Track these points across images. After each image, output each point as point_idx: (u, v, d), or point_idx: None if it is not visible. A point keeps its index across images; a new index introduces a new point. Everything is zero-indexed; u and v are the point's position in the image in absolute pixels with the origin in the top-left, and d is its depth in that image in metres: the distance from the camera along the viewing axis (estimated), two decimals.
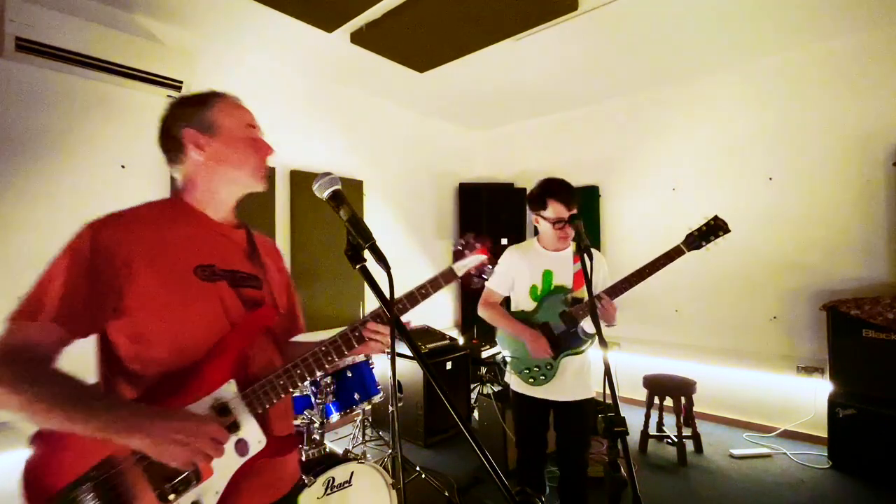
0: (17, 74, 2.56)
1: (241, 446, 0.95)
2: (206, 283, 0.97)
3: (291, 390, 1.02)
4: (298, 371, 1.02)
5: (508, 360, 2.17)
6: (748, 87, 3.91)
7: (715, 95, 4.08)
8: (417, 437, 3.59)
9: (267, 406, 0.99)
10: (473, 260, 1.18)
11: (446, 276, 1.16)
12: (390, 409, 2.27)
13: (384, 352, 1.10)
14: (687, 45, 3.59)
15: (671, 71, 4.05)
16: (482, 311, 2.20)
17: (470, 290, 5.22)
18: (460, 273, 1.17)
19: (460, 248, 1.20)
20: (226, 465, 0.92)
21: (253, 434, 0.97)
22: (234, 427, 0.94)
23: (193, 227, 1.03)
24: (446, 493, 2.76)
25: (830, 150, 3.53)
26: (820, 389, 3.41)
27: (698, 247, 1.89)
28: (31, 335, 0.84)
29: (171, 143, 1.09)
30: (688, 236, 1.91)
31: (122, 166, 2.91)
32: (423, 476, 2.82)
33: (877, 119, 3.35)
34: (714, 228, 1.89)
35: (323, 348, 1.06)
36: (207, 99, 1.08)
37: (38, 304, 0.86)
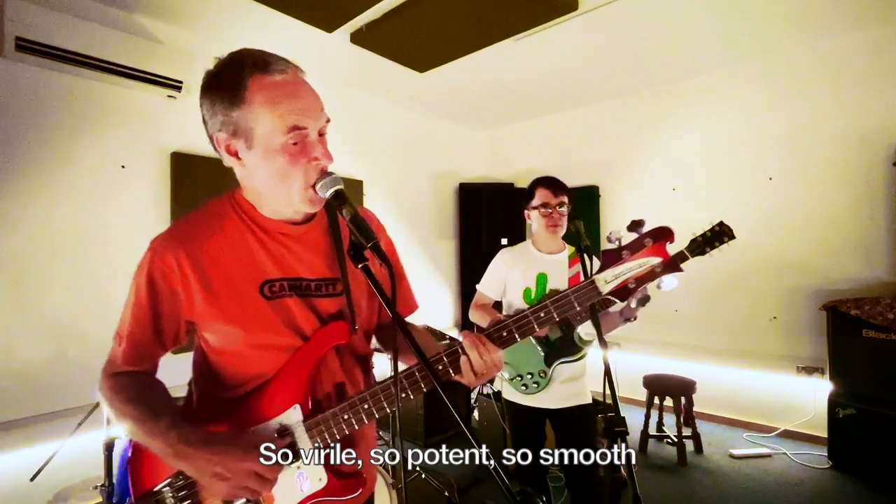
0: (17, 74, 2.56)
1: (301, 481, 0.88)
2: (273, 302, 0.89)
3: (357, 427, 0.89)
4: (366, 406, 0.88)
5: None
6: (748, 87, 3.91)
7: (715, 95, 4.08)
8: (417, 437, 3.59)
9: (329, 441, 0.89)
10: (633, 267, 0.78)
11: (582, 295, 0.81)
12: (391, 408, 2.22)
13: (472, 384, 0.88)
14: (687, 45, 3.59)
15: (671, 71, 4.05)
16: (472, 315, 2.12)
17: (470, 290, 5.22)
18: (607, 287, 0.78)
19: (614, 243, 0.80)
20: (288, 498, 0.87)
21: (314, 469, 0.89)
22: (296, 457, 0.86)
23: (255, 236, 0.91)
24: (446, 493, 2.76)
25: (830, 150, 3.53)
26: (820, 389, 3.41)
27: (702, 253, 1.84)
28: (119, 357, 0.91)
29: (209, 139, 0.88)
30: (692, 241, 1.86)
31: (123, 166, 2.91)
32: (423, 476, 2.82)
33: (877, 119, 3.35)
34: (719, 234, 1.83)
35: (402, 382, 0.87)
36: (239, 86, 0.81)
37: (122, 333, 0.91)
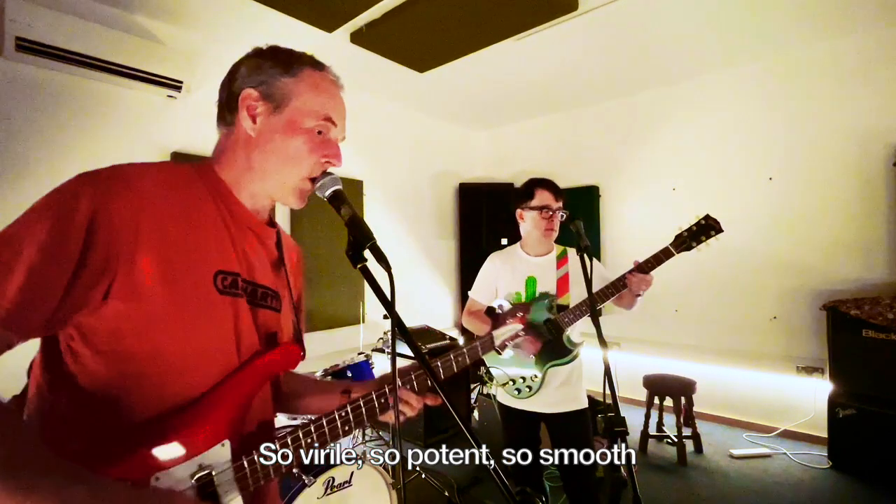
0: (17, 74, 2.56)
1: None
2: (223, 298, 0.74)
3: (295, 465, 0.79)
4: (308, 440, 0.81)
5: (492, 371, 2.07)
6: (748, 87, 3.91)
7: (715, 95, 4.08)
8: (417, 437, 3.59)
9: (260, 482, 0.76)
10: (510, 330, 1.18)
11: (485, 345, 1.14)
12: (390, 407, 2.21)
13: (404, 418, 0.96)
14: (686, 45, 3.59)
15: (671, 71, 4.05)
16: (465, 321, 2.10)
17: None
18: (498, 342, 1.16)
19: (499, 312, 1.21)
20: None
21: None
22: None
23: (220, 214, 0.79)
24: (446, 493, 2.76)
25: (831, 151, 3.53)
26: (820, 389, 3.41)
27: (689, 248, 1.81)
28: None
29: (227, 95, 0.83)
30: (677, 237, 1.83)
31: None
32: (423, 476, 2.82)
33: (877, 119, 3.35)
34: (705, 228, 1.80)
35: (343, 414, 0.85)
36: (296, 62, 0.83)
37: None
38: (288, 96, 0.81)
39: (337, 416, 0.85)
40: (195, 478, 0.69)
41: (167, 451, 0.67)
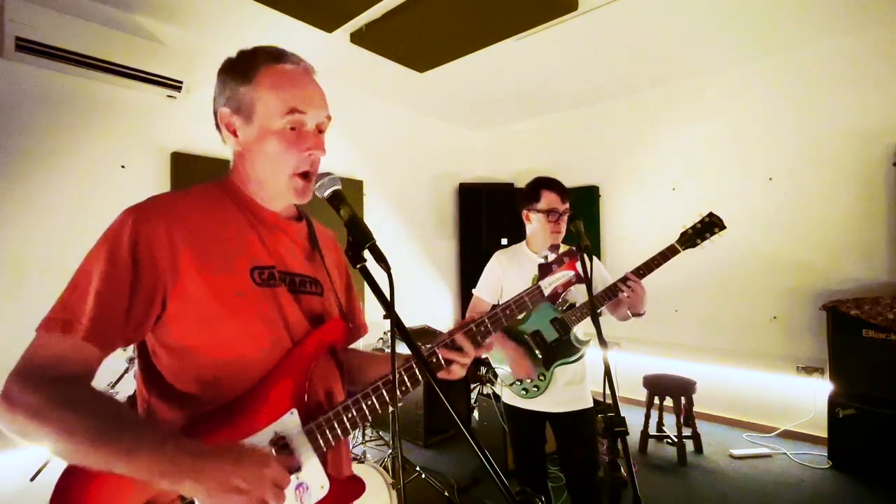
0: (17, 74, 2.56)
1: (301, 492, 0.81)
2: (263, 290, 0.83)
3: (361, 425, 0.87)
4: (369, 402, 0.87)
5: (498, 371, 2.05)
6: (748, 87, 3.91)
7: (715, 95, 4.08)
8: (417, 437, 3.59)
9: (332, 443, 0.84)
10: (561, 276, 1.08)
11: (533, 295, 1.06)
12: (390, 409, 2.22)
13: (461, 376, 1.02)
14: (687, 45, 3.59)
15: (671, 71, 4.06)
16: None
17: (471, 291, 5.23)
18: (547, 291, 1.07)
19: (547, 261, 1.09)
20: None
21: (315, 477, 0.82)
22: (294, 468, 0.79)
23: (247, 220, 0.88)
24: (446, 493, 2.76)
25: (831, 151, 3.53)
26: (820, 389, 3.41)
27: (694, 245, 1.83)
28: (63, 350, 0.72)
29: (215, 117, 0.90)
30: (682, 234, 1.85)
31: (122, 166, 2.91)
32: (423, 476, 2.82)
33: (877, 119, 3.35)
34: (709, 225, 1.83)
35: (399, 375, 0.90)
36: (251, 67, 0.85)
37: (71, 315, 0.72)
38: (252, 105, 0.85)
39: (381, 384, 0.89)
40: (272, 442, 0.79)
41: (242, 423, 0.79)
